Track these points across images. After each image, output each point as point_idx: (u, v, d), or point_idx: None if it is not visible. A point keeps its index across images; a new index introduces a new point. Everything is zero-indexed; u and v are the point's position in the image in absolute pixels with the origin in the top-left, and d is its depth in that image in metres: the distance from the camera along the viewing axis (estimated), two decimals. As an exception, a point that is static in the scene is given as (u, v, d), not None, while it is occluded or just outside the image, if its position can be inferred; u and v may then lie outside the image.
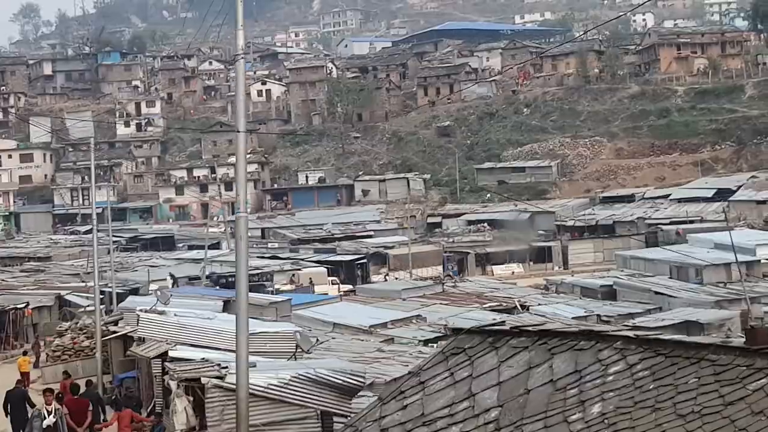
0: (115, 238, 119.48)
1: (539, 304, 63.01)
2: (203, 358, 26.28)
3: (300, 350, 30.05)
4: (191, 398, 21.55)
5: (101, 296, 75.00)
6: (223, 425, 20.98)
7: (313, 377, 22.07)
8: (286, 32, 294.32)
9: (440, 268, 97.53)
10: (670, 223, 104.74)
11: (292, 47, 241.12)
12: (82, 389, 29.49)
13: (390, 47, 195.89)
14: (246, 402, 19.16)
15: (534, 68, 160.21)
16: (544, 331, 13.63)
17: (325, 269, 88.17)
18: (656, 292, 69.89)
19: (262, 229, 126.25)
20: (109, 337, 40.11)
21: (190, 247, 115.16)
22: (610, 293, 72.91)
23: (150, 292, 63.66)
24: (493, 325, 16.16)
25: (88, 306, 60.93)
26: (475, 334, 14.72)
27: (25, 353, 48.08)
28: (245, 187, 20.74)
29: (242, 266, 20.08)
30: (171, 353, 29.22)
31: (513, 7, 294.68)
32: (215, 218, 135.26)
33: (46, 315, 66.04)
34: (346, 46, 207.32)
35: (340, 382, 22.23)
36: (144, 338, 33.70)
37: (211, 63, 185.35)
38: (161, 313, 36.20)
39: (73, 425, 25.81)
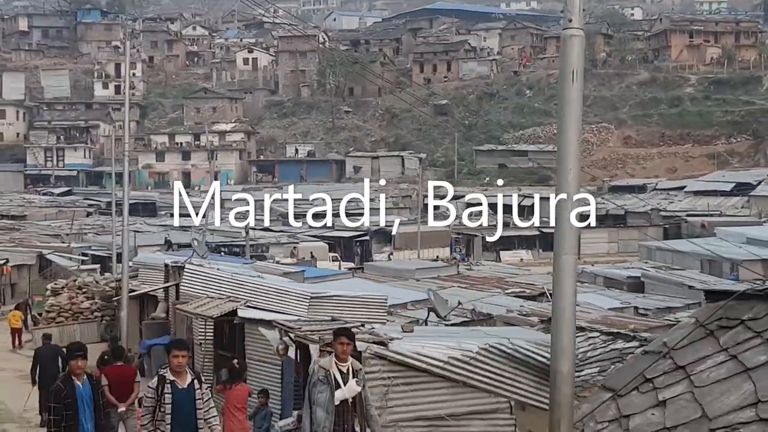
0: (92, 202, 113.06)
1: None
2: (297, 319, 18.98)
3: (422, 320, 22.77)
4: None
5: (84, 257, 68.40)
6: (386, 415, 13.64)
7: (509, 351, 14.74)
8: (265, 10, 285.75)
9: (447, 250, 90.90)
10: (688, 216, 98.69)
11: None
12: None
13: (381, 22, 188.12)
14: (570, 385, 11.60)
15: (533, 51, 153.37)
16: None
17: (326, 245, 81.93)
18: (690, 287, 62.70)
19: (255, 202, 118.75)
20: (131, 294, 32.51)
21: (172, 215, 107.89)
22: (637, 285, 65.85)
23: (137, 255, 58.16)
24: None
25: (73, 266, 53.79)
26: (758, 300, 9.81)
27: (17, 307, 40.70)
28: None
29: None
30: (241, 313, 21.94)
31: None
32: (198, 187, 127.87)
33: (25, 274, 59.22)
34: (334, 19, 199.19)
35: (543, 360, 14.86)
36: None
37: (195, 28, 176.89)
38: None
39: (113, 400, 18.49)
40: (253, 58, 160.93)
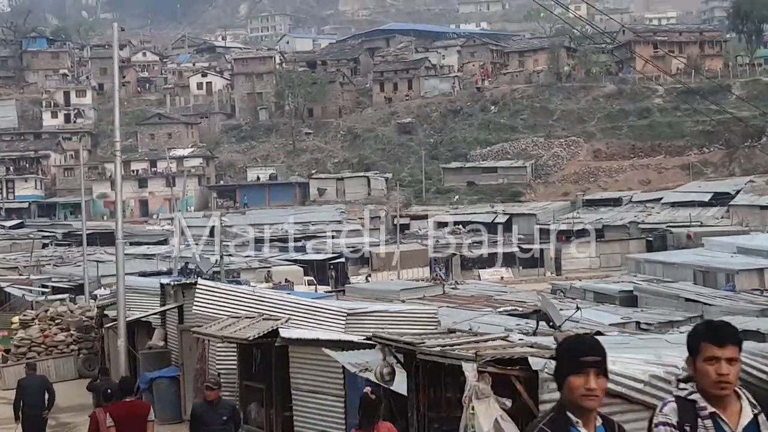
0: (46, 233, 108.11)
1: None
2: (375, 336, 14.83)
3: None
4: (507, 403, 9.84)
5: (46, 290, 63.71)
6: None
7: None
8: (213, 35, 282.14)
9: (426, 269, 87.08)
10: (668, 227, 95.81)
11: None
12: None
13: (336, 43, 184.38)
14: None
15: (494, 66, 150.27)
16: None
17: (301, 268, 78.43)
18: (687, 299, 59.36)
19: (211, 228, 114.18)
20: (138, 320, 28.08)
21: (131, 244, 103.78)
22: (630, 299, 62.42)
23: (101, 288, 54.49)
24: None
25: (37, 297, 49.22)
26: None
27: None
28: None
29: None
30: (284, 333, 17.78)
31: (448, 17, 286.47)
32: (156, 215, 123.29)
33: (-19, 308, 54.84)
34: (287, 42, 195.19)
35: None
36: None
37: (145, 54, 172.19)
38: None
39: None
40: (207, 82, 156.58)
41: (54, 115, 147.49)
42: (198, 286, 22.52)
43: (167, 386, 24.84)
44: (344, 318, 22.68)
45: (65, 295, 52.65)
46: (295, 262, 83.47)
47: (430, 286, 63.92)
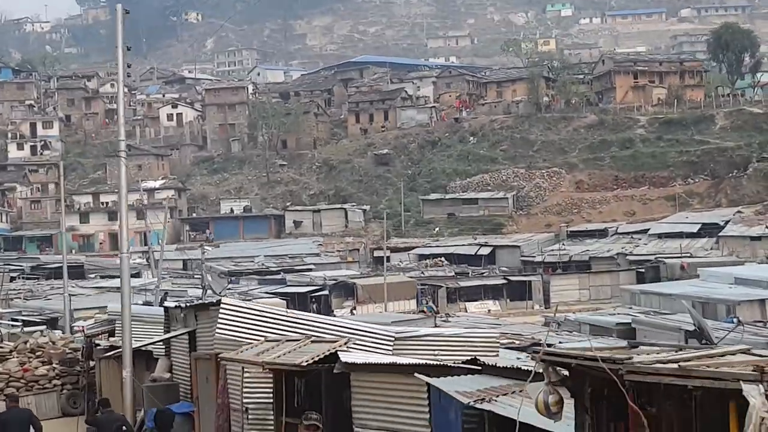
0: (14, 267, 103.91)
1: (560, 342, 49.28)
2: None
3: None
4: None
5: (16, 323, 59.96)
6: None
7: None
8: (179, 69, 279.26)
9: (413, 302, 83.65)
10: (658, 258, 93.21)
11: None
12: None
13: (309, 74, 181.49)
14: None
15: (470, 97, 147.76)
16: None
17: (283, 301, 74.57)
18: (687, 330, 56.11)
19: (184, 261, 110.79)
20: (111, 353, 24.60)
21: (102, 277, 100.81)
22: (627, 332, 59.15)
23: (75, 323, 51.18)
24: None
25: (33, 330, 45.39)
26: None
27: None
28: None
29: None
30: (344, 357, 14.46)
31: (416, 51, 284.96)
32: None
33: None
34: (258, 74, 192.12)
35: None
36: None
37: (113, 85, 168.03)
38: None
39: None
40: (177, 114, 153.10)
41: (20, 146, 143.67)
42: (223, 305, 19.08)
43: (180, 424, 21.34)
44: (392, 342, 19.39)
45: (42, 327, 48.87)
46: (276, 294, 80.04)
47: (422, 318, 60.51)
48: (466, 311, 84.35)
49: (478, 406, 11.11)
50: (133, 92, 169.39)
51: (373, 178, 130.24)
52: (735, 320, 59.45)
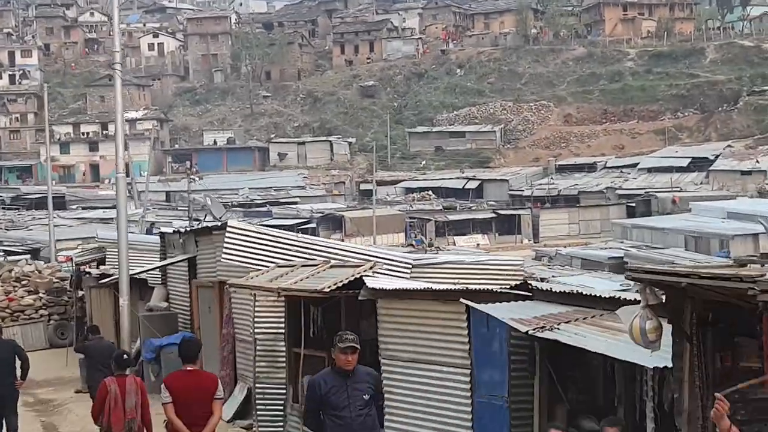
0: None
1: (553, 276, 48.28)
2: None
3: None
4: None
5: (-1, 255, 58.43)
6: None
7: None
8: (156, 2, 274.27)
9: (401, 235, 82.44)
10: (647, 193, 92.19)
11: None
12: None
13: (293, 5, 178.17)
14: None
15: (457, 29, 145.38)
16: None
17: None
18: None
19: (167, 193, 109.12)
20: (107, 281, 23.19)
21: (84, 208, 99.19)
22: (620, 266, 58.27)
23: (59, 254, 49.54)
24: None
25: (17, 260, 43.82)
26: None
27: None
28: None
29: None
30: (370, 282, 13.13)
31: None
32: (108, 180, 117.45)
33: None
34: (240, 4, 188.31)
35: None
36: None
37: (92, 14, 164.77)
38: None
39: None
40: (158, 44, 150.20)
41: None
42: (230, 228, 17.65)
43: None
44: (409, 270, 18.09)
45: (26, 256, 47.47)
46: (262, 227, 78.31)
47: (412, 252, 59.19)
48: (455, 245, 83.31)
49: (539, 335, 9.74)
50: (113, 21, 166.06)
51: (359, 110, 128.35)
52: (727, 254, 58.71)
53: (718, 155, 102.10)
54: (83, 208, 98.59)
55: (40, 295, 32.61)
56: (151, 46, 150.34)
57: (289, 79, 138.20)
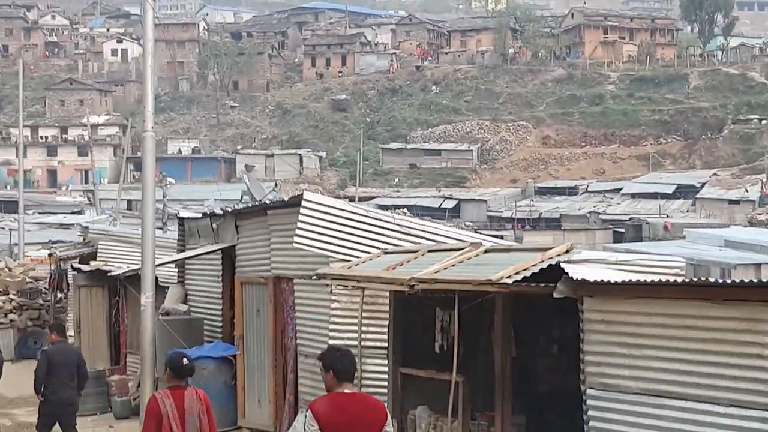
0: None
1: None
2: None
3: None
4: None
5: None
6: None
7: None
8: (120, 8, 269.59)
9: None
10: (636, 219, 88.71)
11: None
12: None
13: (261, 17, 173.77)
14: None
15: (431, 47, 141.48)
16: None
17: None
18: None
19: (129, 201, 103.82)
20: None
21: (41, 214, 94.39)
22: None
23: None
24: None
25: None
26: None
27: None
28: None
29: None
30: (573, 271, 8.45)
31: (366, 2, 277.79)
32: (66, 186, 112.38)
33: None
34: (207, 14, 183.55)
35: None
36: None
37: (54, 17, 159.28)
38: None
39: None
40: (122, 49, 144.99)
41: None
42: (305, 201, 13.09)
43: (214, 372, 15.39)
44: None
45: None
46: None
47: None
48: (435, 265, 79.07)
49: None
50: (75, 26, 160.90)
51: (330, 124, 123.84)
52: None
53: (704, 183, 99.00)
54: (40, 213, 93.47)
55: (11, 296, 27.81)
56: (114, 52, 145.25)
57: (258, 90, 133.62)
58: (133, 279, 19.43)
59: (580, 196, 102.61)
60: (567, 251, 9.67)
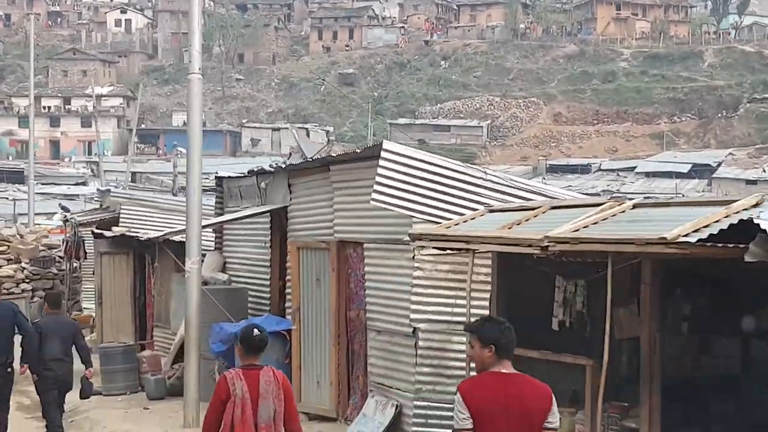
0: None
1: None
2: None
3: None
4: None
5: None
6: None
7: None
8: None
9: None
10: (645, 198, 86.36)
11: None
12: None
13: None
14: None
15: (438, 21, 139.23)
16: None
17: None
18: None
19: (133, 174, 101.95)
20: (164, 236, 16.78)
21: (44, 185, 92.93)
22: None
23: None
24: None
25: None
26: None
27: None
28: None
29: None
30: None
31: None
32: (69, 158, 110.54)
33: None
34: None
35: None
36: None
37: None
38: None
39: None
40: (126, 20, 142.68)
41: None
42: (385, 150, 11.27)
43: (270, 348, 13.54)
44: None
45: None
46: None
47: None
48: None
49: None
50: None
51: (337, 98, 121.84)
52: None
53: (720, 163, 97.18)
54: (42, 184, 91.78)
55: (23, 265, 26.01)
56: (118, 22, 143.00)
57: (263, 63, 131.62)
58: (167, 245, 17.65)
59: (592, 175, 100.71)
60: (756, 204, 7.84)
